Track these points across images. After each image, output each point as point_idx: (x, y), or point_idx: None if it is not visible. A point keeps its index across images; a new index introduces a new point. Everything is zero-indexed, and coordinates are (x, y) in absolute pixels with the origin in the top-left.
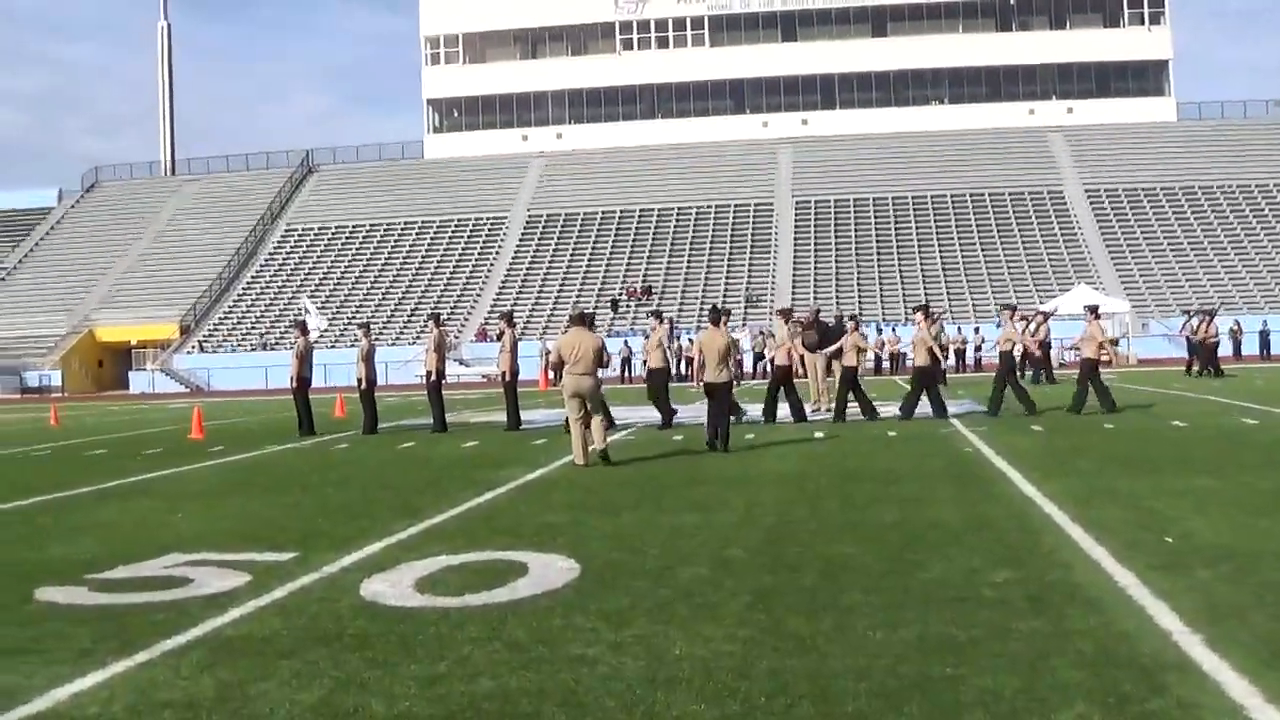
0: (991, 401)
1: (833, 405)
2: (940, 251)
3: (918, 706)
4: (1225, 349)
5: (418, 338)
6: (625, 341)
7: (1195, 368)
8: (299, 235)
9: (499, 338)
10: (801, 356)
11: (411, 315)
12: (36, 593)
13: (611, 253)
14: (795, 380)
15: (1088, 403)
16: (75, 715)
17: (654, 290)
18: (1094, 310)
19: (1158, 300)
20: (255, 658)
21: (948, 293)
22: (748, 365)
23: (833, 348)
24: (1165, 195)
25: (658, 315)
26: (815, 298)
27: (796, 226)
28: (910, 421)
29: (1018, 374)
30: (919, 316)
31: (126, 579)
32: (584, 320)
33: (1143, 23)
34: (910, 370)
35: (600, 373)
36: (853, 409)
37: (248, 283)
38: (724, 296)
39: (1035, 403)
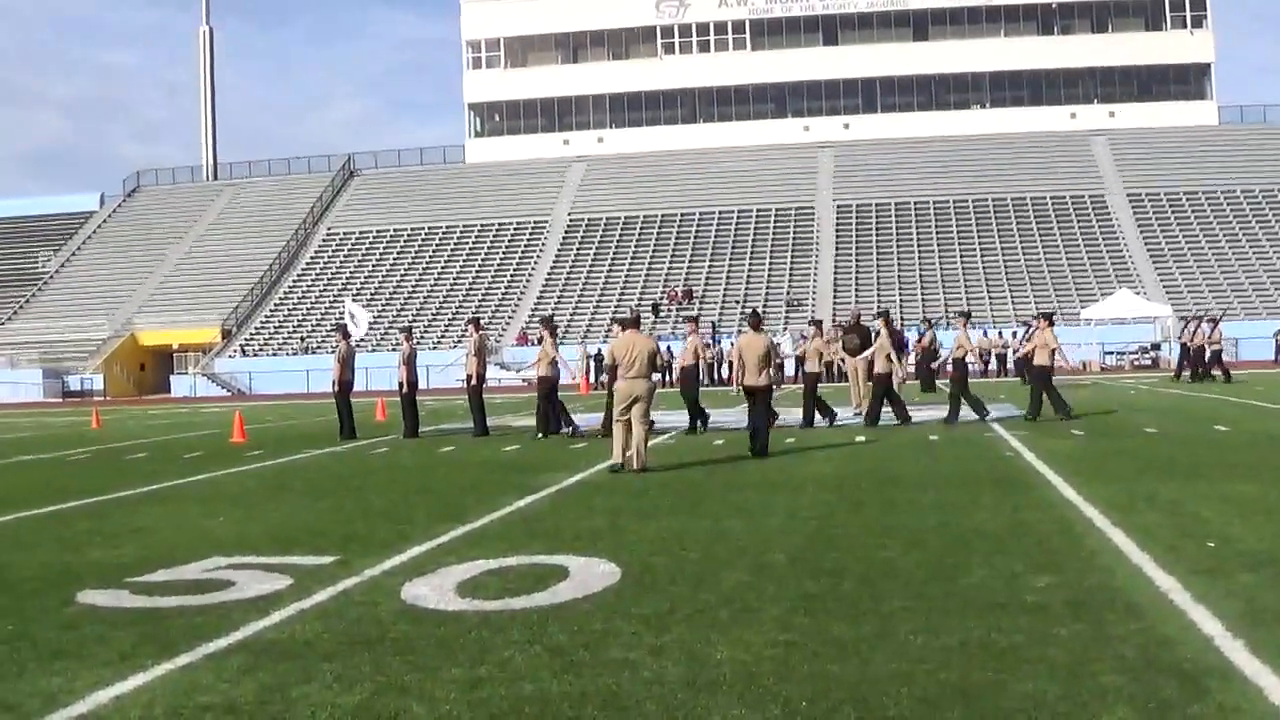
0: (951, 412)
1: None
2: (982, 256)
3: (959, 712)
4: (1256, 354)
5: (458, 342)
6: (668, 347)
7: (1186, 373)
8: (340, 240)
9: (539, 343)
10: (842, 359)
11: (452, 320)
12: (78, 596)
13: (652, 257)
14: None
15: (1064, 408)
16: (116, 718)
17: (694, 294)
18: (1047, 317)
19: (1200, 305)
20: (296, 661)
21: (989, 297)
22: (789, 369)
23: (867, 352)
24: (1207, 199)
25: (694, 320)
26: (856, 301)
27: (838, 230)
28: (954, 426)
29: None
30: (880, 324)
31: (167, 582)
32: (636, 323)
33: (1185, 26)
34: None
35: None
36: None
37: (289, 287)
38: (765, 301)
39: (988, 410)
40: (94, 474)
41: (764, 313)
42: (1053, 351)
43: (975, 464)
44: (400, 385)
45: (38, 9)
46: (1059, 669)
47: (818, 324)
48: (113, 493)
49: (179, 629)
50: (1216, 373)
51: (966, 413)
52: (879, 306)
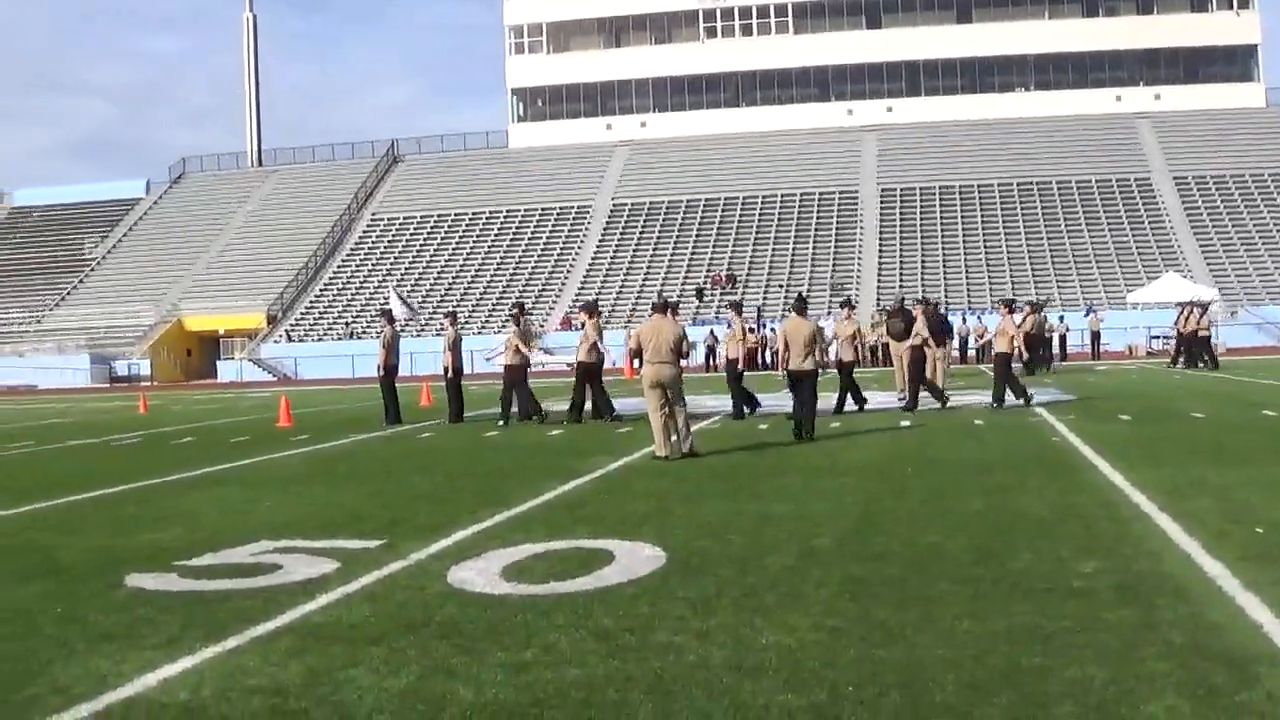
0: (995, 396)
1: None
2: (1027, 240)
3: (1006, 697)
4: None
5: (502, 327)
6: (711, 330)
7: (1181, 360)
8: (384, 225)
9: (581, 327)
10: (886, 344)
11: (496, 304)
12: (126, 579)
13: (696, 241)
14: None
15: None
16: (165, 701)
17: (738, 279)
18: (1008, 305)
19: (1247, 289)
20: (344, 644)
21: (1034, 281)
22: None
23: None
24: (1254, 182)
25: (736, 307)
26: (900, 286)
27: (882, 214)
28: (1000, 410)
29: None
30: (845, 311)
31: (215, 565)
32: (665, 308)
33: (1230, 6)
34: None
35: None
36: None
37: (334, 272)
38: (809, 285)
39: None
40: (142, 458)
41: (808, 297)
42: (1011, 338)
43: (1021, 448)
44: (445, 370)
45: None
46: (1106, 654)
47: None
48: (161, 477)
49: (227, 612)
50: (1204, 360)
51: (1011, 398)
52: (922, 291)
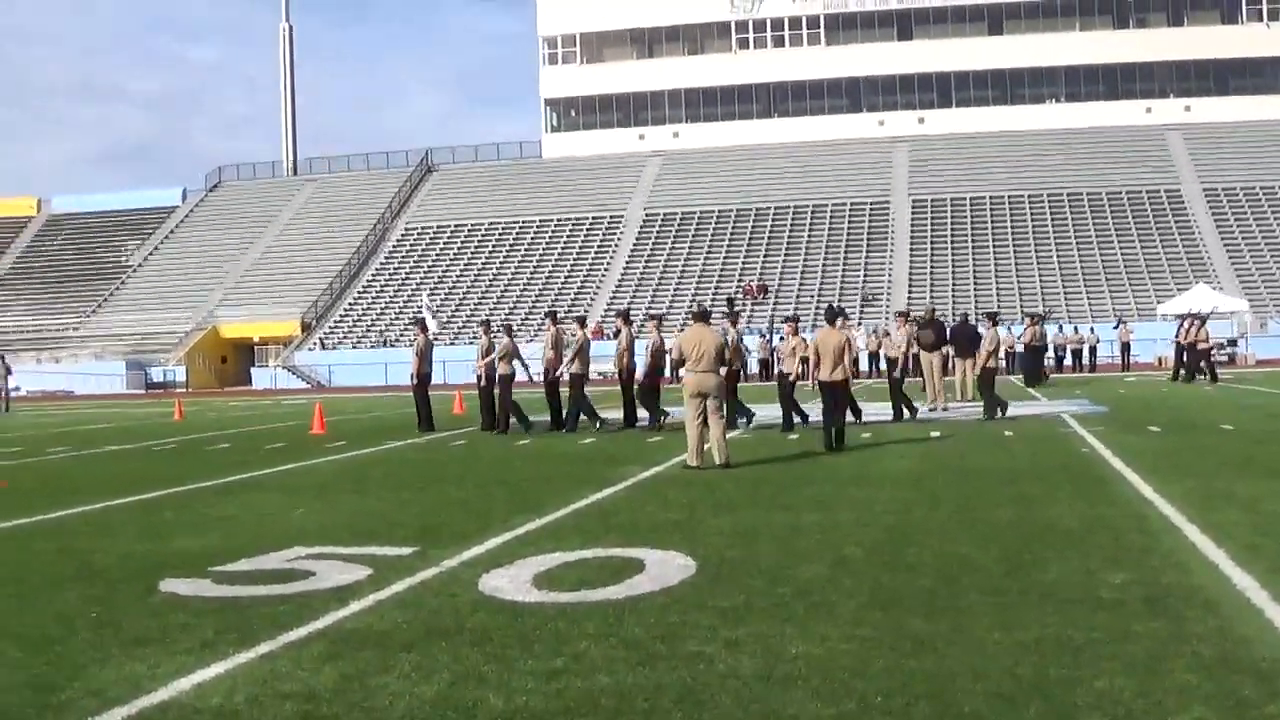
0: (987, 408)
1: (947, 405)
2: (1057, 250)
3: (1035, 708)
4: None
5: (534, 335)
6: (768, 340)
7: (1183, 373)
8: (418, 234)
9: (615, 335)
10: (916, 355)
11: (529, 313)
12: (161, 584)
13: (728, 251)
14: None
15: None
16: (198, 705)
17: (770, 289)
18: (993, 319)
19: (1276, 301)
20: (376, 650)
21: (1064, 292)
22: (864, 364)
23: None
24: None
25: (793, 321)
26: (931, 296)
27: (913, 225)
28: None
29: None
30: (786, 328)
31: (249, 571)
32: (704, 318)
33: (1260, 19)
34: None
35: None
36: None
37: (368, 281)
38: (840, 295)
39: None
40: (178, 464)
41: (840, 307)
42: (992, 353)
43: (1051, 459)
44: (478, 378)
45: (119, 4)
46: (1135, 666)
47: (903, 314)
48: (196, 483)
49: (260, 618)
50: (1204, 373)
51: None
52: (953, 301)
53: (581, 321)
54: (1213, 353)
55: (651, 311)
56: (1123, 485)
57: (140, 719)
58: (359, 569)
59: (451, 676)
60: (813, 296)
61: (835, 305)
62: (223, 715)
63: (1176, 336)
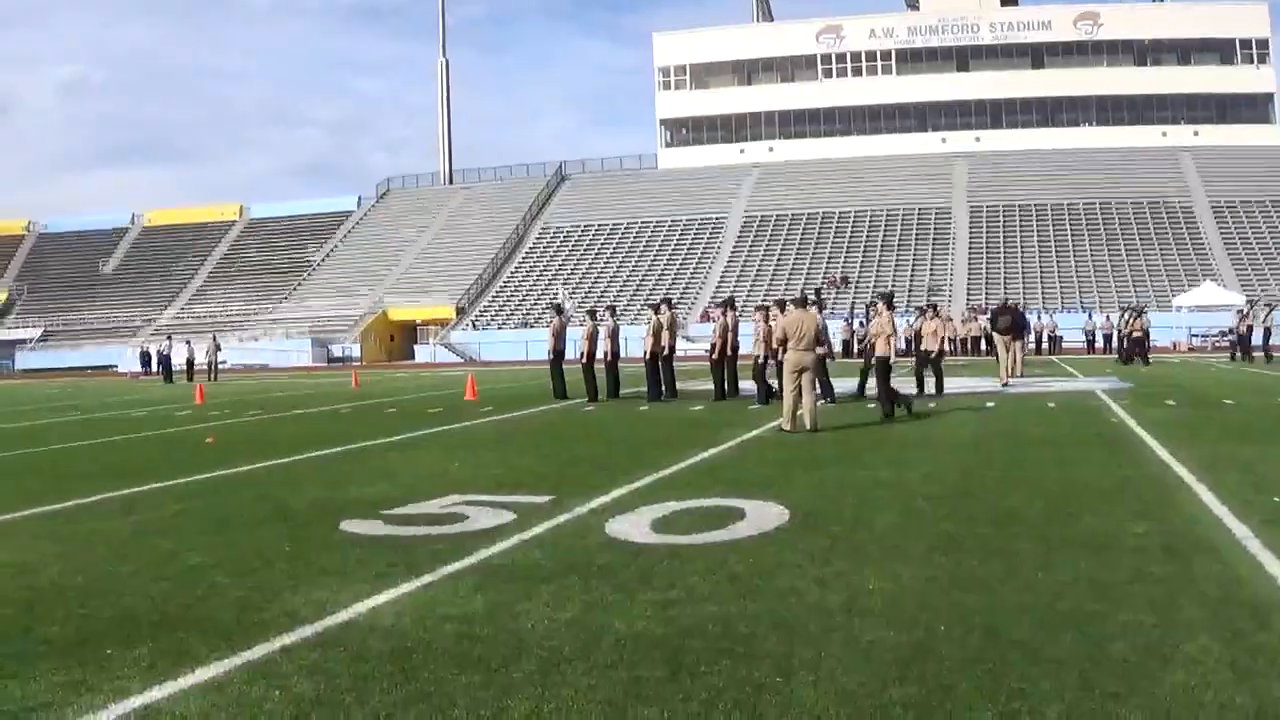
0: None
1: (1008, 381)
2: (1091, 251)
3: (1070, 636)
4: None
5: (635, 319)
6: (853, 323)
7: (1121, 358)
8: (553, 234)
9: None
10: (990, 336)
11: (647, 300)
12: (341, 525)
13: (815, 248)
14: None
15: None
16: (373, 624)
17: (850, 280)
18: (934, 308)
19: (1268, 295)
20: (519, 582)
21: (1096, 287)
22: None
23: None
24: (1274, 207)
25: (888, 300)
26: (986, 289)
27: (970, 228)
28: (1058, 394)
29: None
30: (882, 305)
31: (413, 515)
32: (804, 303)
33: (1252, 62)
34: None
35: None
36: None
37: (511, 272)
38: (909, 289)
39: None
40: (355, 425)
41: (910, 298)
42: (888, 338)
43: (1087, 428)
44: (606, 354)
45: (307, 45)
46: (1154, 602)
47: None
48: (370, 440)
49: (423, 554)
50: (1135, 357)
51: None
52: (1005, 293)
53: (729, 305)
54: (1146, 341)
55: (762, 303)
56: (1144, 450)
57: (326, 635)
58: (505, 514)
59: (582, 605)
60: (886, 288)
61: (884, 291)
62: (394, 633)
63: (1119, 326)
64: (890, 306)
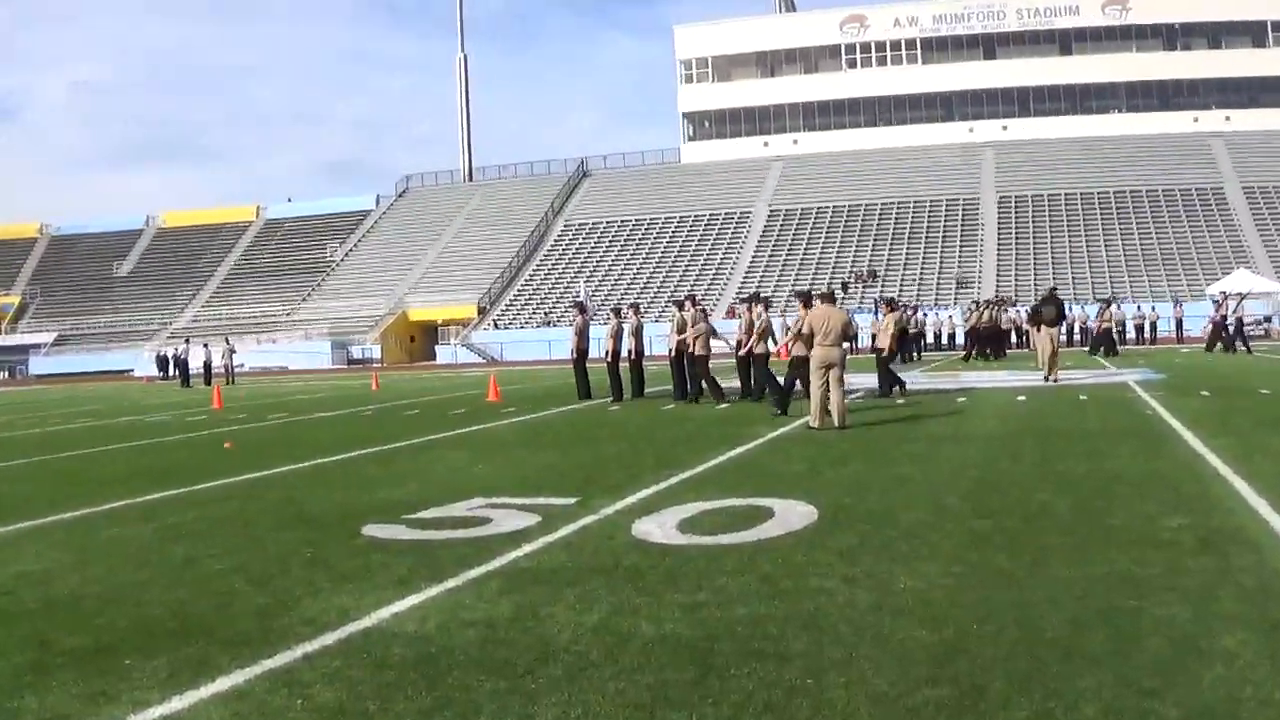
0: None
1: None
2: (1122, 239)
3: (1103, 633)
4: None
5: (659, 317)
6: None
7: (1088, 347)
8: (575, 229)
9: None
10: (1029, 328)
11: (671, 296)
12: (363, 529)
13: (841, 242)
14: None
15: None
16: (396, 631)
17: (877, 274)
18: (890, 304)
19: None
20: (545, 586)
21: (1128, 276)
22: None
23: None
24: None
25: (890, 303)
26: (1015, 280)
27: (999, 218)
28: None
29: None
30: (760, 307)
31: (437, 518)
32: (831, 298)
33: None
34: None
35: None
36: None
37: (533, 270)
38: (937, 281)
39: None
40: (376, 427)
41: (938, 290)
42: (891, 335)
43: (1118, 420)
44: (629, 352)
45: (325, 45)
46: (1189, 596)
47: (890, 302)
48: (392, 443)
49: (447, 558)
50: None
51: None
52: (1035, 283)
53: (766, 303)
54: (1114, 331)
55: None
56: (1178, 442)
57: (348, 643)
58: (530, 516)
59: (609, 608)
60: (914, 281)
61: (888, 297)
62: (417, 639)
63: (1094, 319)
64: (892, 307)
